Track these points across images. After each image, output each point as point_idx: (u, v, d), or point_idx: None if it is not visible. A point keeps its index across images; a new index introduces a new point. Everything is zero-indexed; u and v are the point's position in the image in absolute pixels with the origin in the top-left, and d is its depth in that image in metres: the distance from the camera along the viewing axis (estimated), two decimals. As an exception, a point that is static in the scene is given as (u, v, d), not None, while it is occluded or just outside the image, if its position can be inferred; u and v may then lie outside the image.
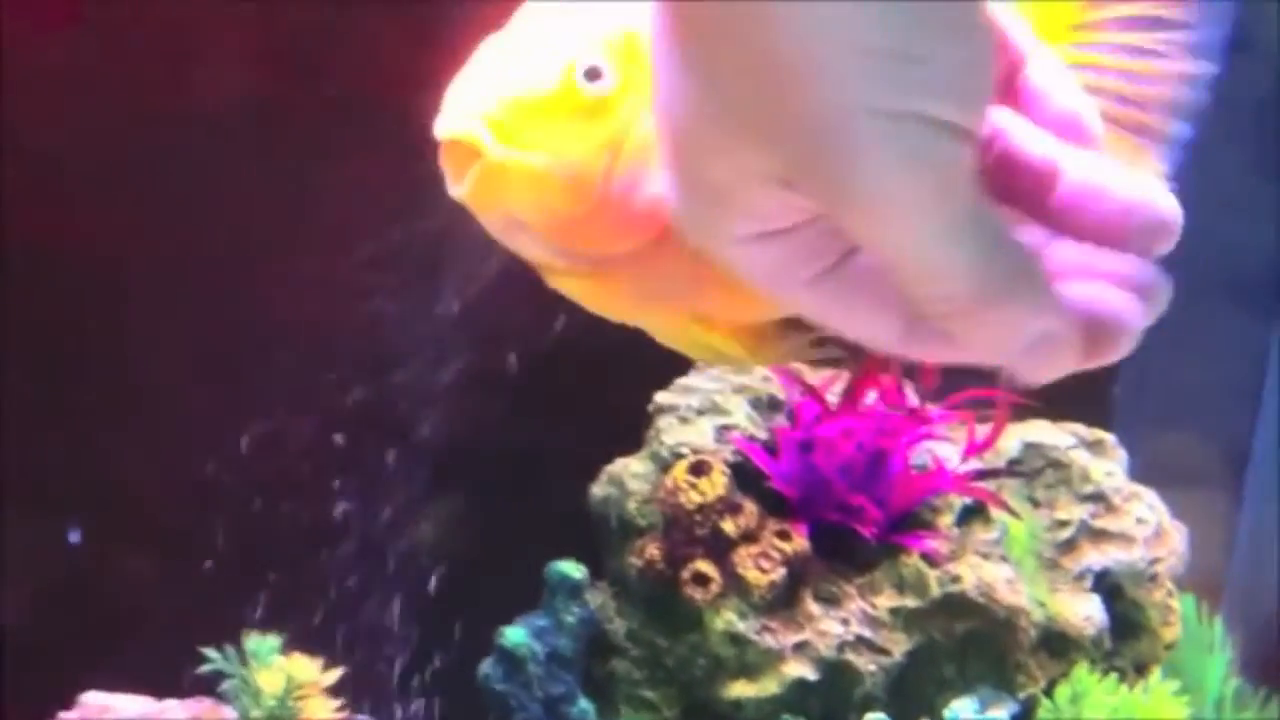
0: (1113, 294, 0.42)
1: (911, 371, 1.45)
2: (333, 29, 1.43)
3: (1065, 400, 1.57)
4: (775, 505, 1.44)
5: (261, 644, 1.36)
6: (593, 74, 0.56)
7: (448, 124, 0.54)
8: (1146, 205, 0.43)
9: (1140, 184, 0.43)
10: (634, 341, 0.58)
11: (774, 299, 0.44)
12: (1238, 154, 1.57)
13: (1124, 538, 1.53)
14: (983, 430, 1.45)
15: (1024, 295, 0.41)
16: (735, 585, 1.41)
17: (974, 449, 1.46)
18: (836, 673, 1.42)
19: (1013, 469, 1.54)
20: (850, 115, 0.38)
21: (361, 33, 1.43)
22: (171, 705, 1.34)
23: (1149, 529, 1.54)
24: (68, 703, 1.30)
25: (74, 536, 1.46)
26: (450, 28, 0.60)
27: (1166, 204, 0.43)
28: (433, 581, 1.54)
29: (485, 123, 0.55)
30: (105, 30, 1.40)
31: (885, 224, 0.39)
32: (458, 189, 0.54)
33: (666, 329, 0.57)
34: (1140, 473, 1.57)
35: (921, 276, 0.40)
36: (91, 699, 1.31)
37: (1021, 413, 1.49)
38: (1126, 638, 1.53)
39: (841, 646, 1.42)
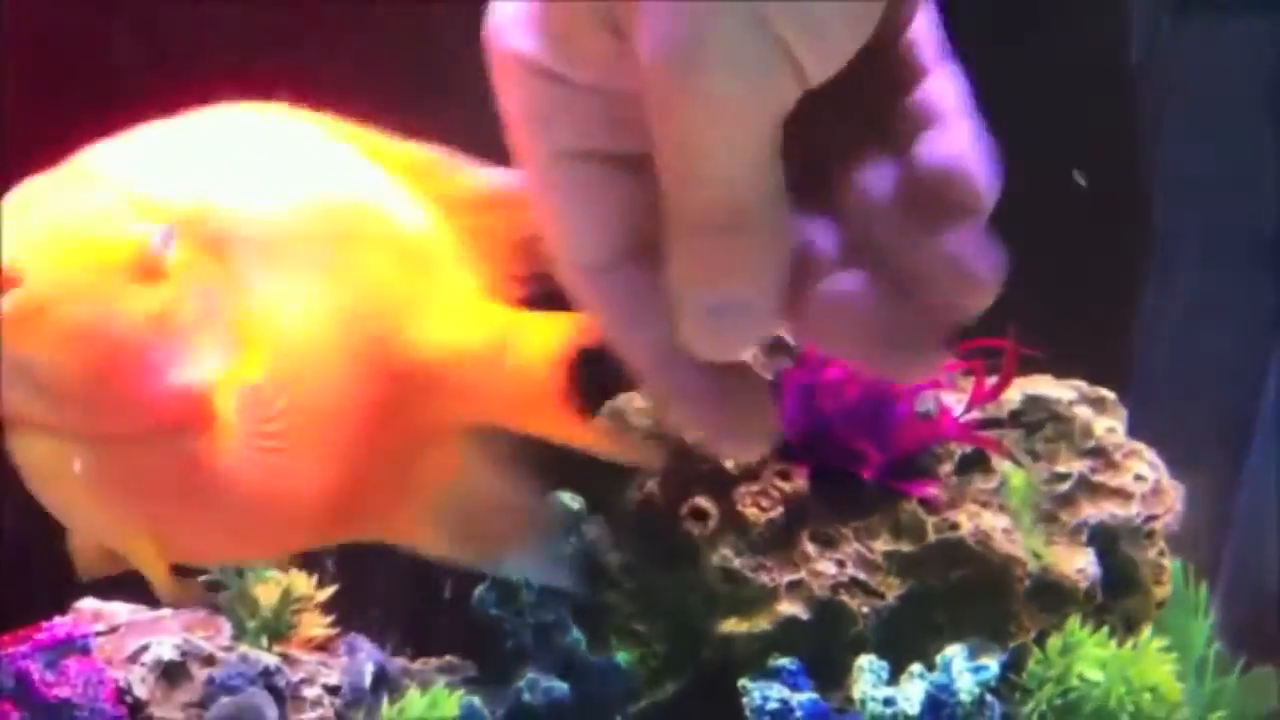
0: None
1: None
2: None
3: (1075, 359, 1.56)
4: (777, 446, 1.43)
5: (257, 558, 1.36)
6: (164, 239, 0.55)
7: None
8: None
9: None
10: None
11: (559, 274, 0.44)
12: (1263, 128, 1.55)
13: (1121, 493, 1.53)
14: (990, 381, 1.45)
15: (764, 246, 0.39)
16: (733, 522, 1.41)
17: (980, 397, 1.45)
18: (829, 613, 1.42)
19: (1014, 420, 1.53)
20: None
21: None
22: (165, 614, 1.34)
23: (1147, 486, 1.54)
24: (62, 609, 1.30)
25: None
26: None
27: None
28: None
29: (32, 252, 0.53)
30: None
31: (693, 104, 0.37)
32: None
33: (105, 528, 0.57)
34: (1144, 435, 1.56)
35: (695, 175, 0.39)
36: (85, 605, 1.32)
37: (1026, 366, 1.49)
38: (1119, 593, 1.53)
39: (835, 587, 1.42)
